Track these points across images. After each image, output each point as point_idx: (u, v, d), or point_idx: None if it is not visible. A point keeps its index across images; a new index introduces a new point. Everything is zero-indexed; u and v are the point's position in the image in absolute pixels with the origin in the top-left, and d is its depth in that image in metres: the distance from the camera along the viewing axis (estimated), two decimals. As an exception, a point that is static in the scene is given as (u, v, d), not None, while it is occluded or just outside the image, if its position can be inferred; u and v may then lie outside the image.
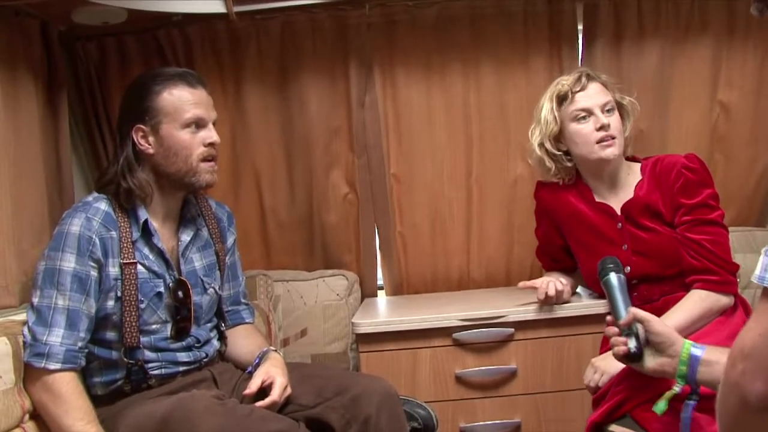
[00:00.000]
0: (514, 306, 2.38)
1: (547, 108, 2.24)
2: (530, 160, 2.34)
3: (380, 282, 2.89)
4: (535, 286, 2.29)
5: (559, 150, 2.24)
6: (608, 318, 1.71)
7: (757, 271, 0.93)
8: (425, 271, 2.84)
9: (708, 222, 2.10)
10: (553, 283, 2.28)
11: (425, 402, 2.16)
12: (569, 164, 2.26)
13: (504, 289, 2.77)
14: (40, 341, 1.78)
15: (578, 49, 2.68)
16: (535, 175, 2.42)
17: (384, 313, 2.67)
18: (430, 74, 2.70)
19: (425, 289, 2.85)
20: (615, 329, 1.64)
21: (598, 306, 2.32)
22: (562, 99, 2.22)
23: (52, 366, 1.77)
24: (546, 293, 2.26)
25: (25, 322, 1.83)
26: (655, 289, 2.14)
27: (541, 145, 2.25)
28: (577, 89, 2.19)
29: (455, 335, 2.34)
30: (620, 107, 2.24)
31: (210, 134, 1.96)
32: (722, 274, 2.06)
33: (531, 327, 2.34)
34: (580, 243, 2.29)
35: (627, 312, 1.67)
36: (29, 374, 1.78)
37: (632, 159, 2.29)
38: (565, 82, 2.22)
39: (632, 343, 1.62)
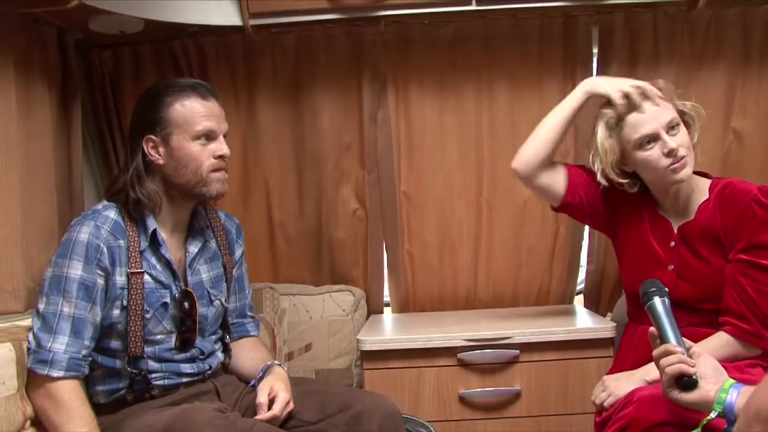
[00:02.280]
0: (520, 327, 2.38)
1: (602, 135, 2.08)
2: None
3: (387, 299, 2.90)
4: None
5: (626, 177, 2.11)
6: (668, 345, 1.61)
7: None
8: (432, 289, 2.85)
9: (761, 268, 1.97)
10: None
11: (428, 421, 2.19)
12: (638, 183, 2.13)
13: (511, 309, 2.79)
14: (44, 348, 1.79)
15: (593, 71, 2.69)
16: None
17: (389, 330, 2.68)
18: (443, 92, 2.73)
19: (432, 308, 2.86)
20: (680, 348, 1.59)
21: (605, 331, 2.35)
22: (616, 125, 2.07)
23: (56, 373, 1.78)
24: None
25: (30, 328, 1.83)
26: (685, 317, 1.99)
27: (605, 175, 2.11)
28: (630, 111, 2.03)
29: (460, 355, 2.35)
30: (682, 115, 2.06)
31: (220, 146, 1.97)
32: (756, 325, 1.95)
33: (536, 349, 2.35)
34: (627, 248, 2.20)
35: (680, 337, 1.63)
36: (32, 381, 1.79)
37: (701, 174, 2.13)
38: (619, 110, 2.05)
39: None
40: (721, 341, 1.97)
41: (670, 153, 1.98)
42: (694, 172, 2.09)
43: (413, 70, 2.71)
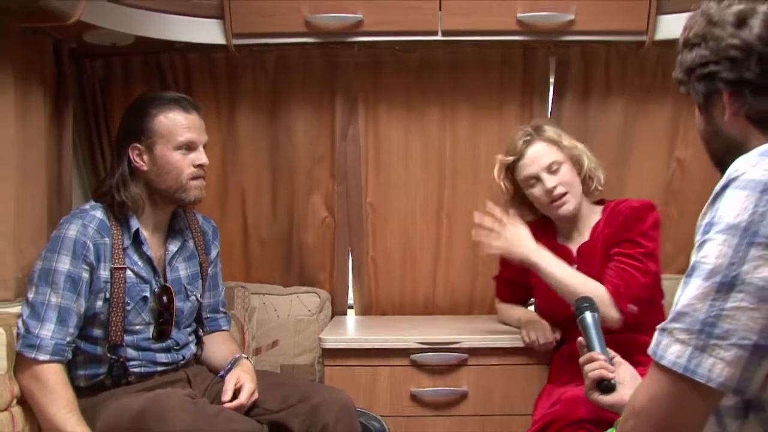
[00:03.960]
0: (469, 333, 2.51)
1: (500, 176, 2.40)
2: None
3: (351, 302, 3.00)
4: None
5: (524, 207, 2.42)
6: (592, 353, 1.73)
7: (652, 345, 1.09)
8: (393, 294, 2.96)
9: (629, 255, 2.20)
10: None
11: (381, 416, 2.31)
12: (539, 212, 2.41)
13: (465, 317, 2.89)
14: (32, 334, 1.91)
15: (549, 99, 2.84)
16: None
17: (350, 331, 2.79)
18: (409, 113, 2.85)
19: (392, 311, 2.96)
20: (603, 356, 1.70)
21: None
22: (510, 169, 2.36)
23: (42, 357, 1.90)
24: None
25: (19, 315, 1.95)
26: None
27: (510, 202, 2.44)
28: (516, 158, 2.32)
29: (413, 356, 2.47)
30: (571, 156, 2.33)
31: (200, 156, 2.11)
32: (624, 295, 2.15)
33: (483, 354, 2.47)
34: (538, 280, 2.38)
35: (604, 347, 1.75)
36: (20, 363, 1.91)
37: (599, 202, 2.41)
38: (506, 154, 2.35)
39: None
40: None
41: (549, 192, 2.26)
42: (594, 202, 2.36)
43: (383, 91, 2.83)
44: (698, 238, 1.08)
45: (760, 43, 1.12)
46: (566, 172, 2.31)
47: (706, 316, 1.02)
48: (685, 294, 1.05)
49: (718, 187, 1.07)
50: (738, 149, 1.15)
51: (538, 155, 2.32)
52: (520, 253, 2.25)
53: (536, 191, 2.32)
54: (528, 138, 2.34)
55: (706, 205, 1.09)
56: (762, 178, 1.02)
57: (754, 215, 1.00)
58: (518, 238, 2.25)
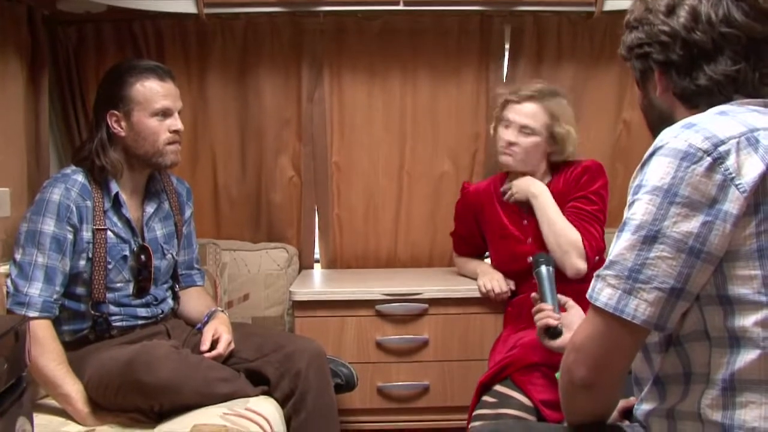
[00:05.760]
0: (429, 285, 2.66)
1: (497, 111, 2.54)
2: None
3: (317, 256, 3.13)
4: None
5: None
6: (541, 304, 1.89)
7: (589, 290, 1.25)
8: (357, 249, 3.09)
9: (585, 211, 2.40)
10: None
11: (348, 362, 2.41)
12: None
13: (425, 269, 3.04)
14: (21, 292, 2.02)
15: (504, 65, 2.97)
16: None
17: (318, 284, 2.91)
18: (372, 77, 2.96)
19: (357, 265, 3.10)
20: (549, 306, 1.86)
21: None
22: (504, 102, 2.50)
23: (32, 314, 2.00)
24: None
25: (8, 275, 2.05)
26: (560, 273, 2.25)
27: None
28: (513, 100, 2.46)
29: (377, 307, 2.61)
30: (552, 134, 2.45)
31: (175, 122, 2.20)
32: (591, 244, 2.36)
33: (443, 304, 2.62)
34: (492, 236, 2.59)
35: (554, 298, 1.87)
36: None
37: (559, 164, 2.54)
38: (509, 91, 2.49)
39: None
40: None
41: (507, 143, 2.44)
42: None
43: (347, 57, 2.93)
44: (629, 198, 1.24)
45: (684, 30, 1.28)
46: (531, 142, 2.46)
47: (633, 264, 1.19)
48: (617, 246, 1.22)
49: (646, 155, 1.23)
50: (668, 120, 1.31)
51: (528, 113, 2.46)
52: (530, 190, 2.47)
53: (500, 131, 2.50)
54: (534, 95, 2.47)
55: (636, 169, 1.24)
56: (682, 147, 1.18)
57: (675, 179, 1.17)
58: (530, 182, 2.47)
